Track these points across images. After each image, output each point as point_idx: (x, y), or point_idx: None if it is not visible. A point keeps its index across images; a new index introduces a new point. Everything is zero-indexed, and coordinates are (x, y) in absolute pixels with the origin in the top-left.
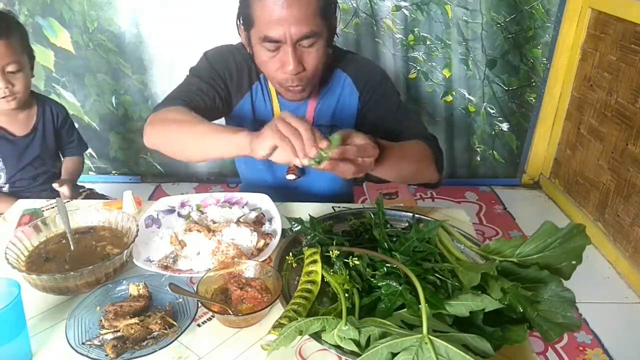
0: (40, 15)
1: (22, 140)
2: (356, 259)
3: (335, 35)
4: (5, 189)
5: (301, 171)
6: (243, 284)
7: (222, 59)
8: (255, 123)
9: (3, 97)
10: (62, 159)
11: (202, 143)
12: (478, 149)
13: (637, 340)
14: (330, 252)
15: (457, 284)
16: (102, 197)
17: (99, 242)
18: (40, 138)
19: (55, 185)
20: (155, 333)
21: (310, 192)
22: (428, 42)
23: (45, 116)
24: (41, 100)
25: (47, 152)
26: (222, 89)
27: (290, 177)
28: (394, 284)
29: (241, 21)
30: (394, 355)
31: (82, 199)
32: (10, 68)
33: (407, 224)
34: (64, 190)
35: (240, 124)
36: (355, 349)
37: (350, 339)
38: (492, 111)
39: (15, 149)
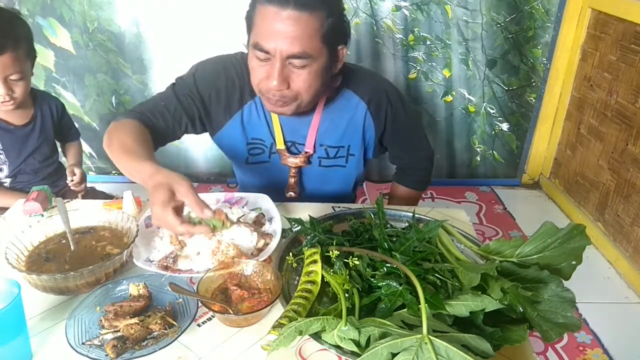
0: (40, 15)
1: (21, 129)
2: (356, 259)
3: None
4: (7, 183)
5: (301, 188)
6: (243, 284)
7: (211, 78)
8: (247, 143)
9: (2, 102)
10: (60, 149)
11: (123, 169)
12: (478, 149)
13: (637, 340)
14: (330, 252)
15: (457, 284)
16: (102, 194)
17: (99, 242)
18: (39, 128)
19: (68, 173)
20: (155, 333)
21: (318, 194)
22: (428, 42)
23: (42, 108)
24: (38, 94)
25: (47, 143)
26: (198, 109)
27: (290, 194)
28: (394, 284)
29: (246, 21)
30: (394, 355)
31: (83, 197)
32: (13, 77)
33: (407, 224)
34: (78, 173)
35: (230, 143)
36: (355, 349)
37: (350, 339)
38: (492, 111)
39: (15, 139)
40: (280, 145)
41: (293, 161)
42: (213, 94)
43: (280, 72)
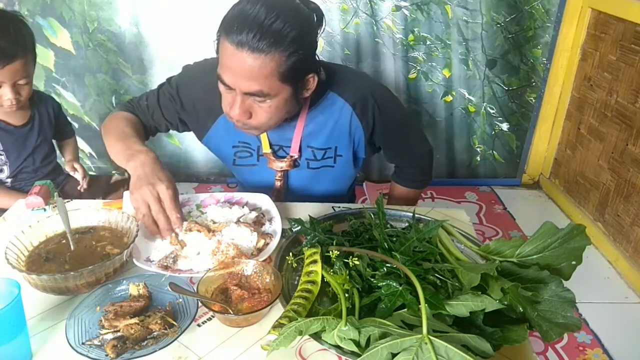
0: (40, 15)
1: (20, 130)
2: (356, 259)
3: (315, 78)
4: (8, 183)
5: (291, 190)
6: (243, 284)
7: (192, 83)
8: (232, 146)
9: (9, 105)
10: (56, 146)
11: (111, 152)
12: (478, 149)
13: (637, 340)
14: (330, 252)
15: (457, 284)
16: (106, 178)
17: (99, 242)
18: (38, 127)
19: (68, 169)
20: (155, 333)
21: (309, 195)
22: (428, 42)
23: (40, 108)
24: (35, 94)
25: (46, 142)
26: (177, 113)
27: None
28: (394, 284)
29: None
30: (394, 355)
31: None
32: (21, 82)
33: (407, 224)
34: (79, 168)
35: (217, 146)
36: (355, 349)
37: (350, 339)
38: (492, 111)
39: (15, 140)
40: (266, 148)
41: (279, 165)
42: (195, 99)
43: (242, 104)
